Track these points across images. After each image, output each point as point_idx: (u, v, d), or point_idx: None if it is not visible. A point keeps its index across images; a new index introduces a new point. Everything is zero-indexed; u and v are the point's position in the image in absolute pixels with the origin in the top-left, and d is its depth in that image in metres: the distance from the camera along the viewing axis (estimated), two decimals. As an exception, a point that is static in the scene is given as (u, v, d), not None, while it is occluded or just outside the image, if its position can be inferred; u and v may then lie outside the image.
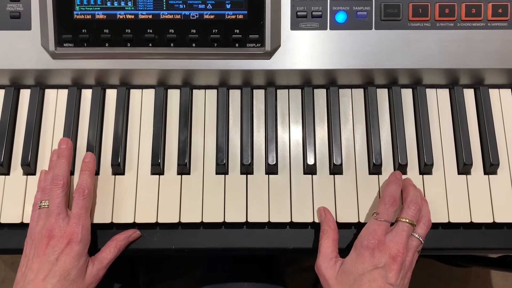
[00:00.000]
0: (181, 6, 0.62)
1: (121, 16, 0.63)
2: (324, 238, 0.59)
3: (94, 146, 0.64)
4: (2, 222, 0.62)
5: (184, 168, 0.64)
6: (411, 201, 0.58)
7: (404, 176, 0.64)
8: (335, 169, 0.64)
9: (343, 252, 0.59)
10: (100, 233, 0.63)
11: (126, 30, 0.63)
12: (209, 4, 0.62)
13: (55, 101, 0.67)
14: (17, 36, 0.63)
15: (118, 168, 0.64)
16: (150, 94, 0.67)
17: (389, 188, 0.59)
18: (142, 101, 0.67)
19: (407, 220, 0.56)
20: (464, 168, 0.64)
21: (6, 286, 1.28)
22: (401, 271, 0.54)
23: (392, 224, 0.58)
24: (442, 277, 1.29)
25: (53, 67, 0.64)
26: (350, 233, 0.63)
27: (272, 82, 0.67)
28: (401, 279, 0.54)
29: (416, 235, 0.57)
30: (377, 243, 0.55)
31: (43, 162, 0.65)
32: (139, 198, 0.63)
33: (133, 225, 0.63)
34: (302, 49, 0.64)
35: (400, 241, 0.55)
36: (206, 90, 0.68)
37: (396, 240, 0.55)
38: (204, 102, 0.67)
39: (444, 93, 0.68)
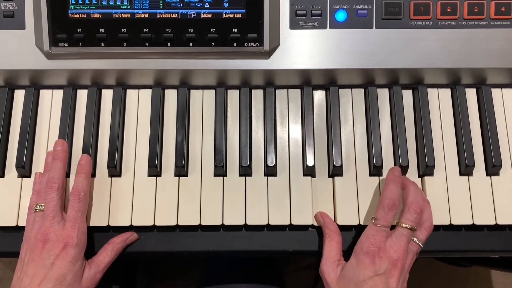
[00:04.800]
0: (178, 5, 0.61)
1: (116, 15, 0.61)
2: (327, 241, 0.59)
3: (90, 148, 0.63)
4: (-3, 225, 0.62)
5: (181, 170, 0.63)
6: (411, 203, 0.56)
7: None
8: (335, 171, 0.63)
9: (344, 254, 0.59)
10: (96, 236, 0.62)
11: (122, 30, 0.61)
12: (207, 3, 0.61)
13: (50, 102, 0.66)
14: (10, 35, 0.62)
15: (115, 170, 0.63)
16: (147, 94, 0.66)
17: (387, 189, 0.57)
18: (138, 102, 0.66)
19: (407, 226, 0.55)
20: (466, 169, 0.63)
21: (4, 286, 1.28)
22: (401, 276, 0.54)
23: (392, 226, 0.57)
24: (443, 276, 1.29)
25: (47, 67, 0.63)
26: (350, 235, 0.62)
27: (271, 82, 0.66)
28: (401, 283, 0.54)
29: (416, 240, 0.56)
30: (377, 250, 0.54)
31: (38, 164, 0.64)
32: (136, 200, 0.62)
33: (130, 228, 0.62)
34: (301, 48, 0.62)
35: (400, 247, 0.54)
36: (204, 90, 0.67)
37: (396, 246, 0.54)
38: (202, 102, 0.66)
39: (446, 93, 0.67)
